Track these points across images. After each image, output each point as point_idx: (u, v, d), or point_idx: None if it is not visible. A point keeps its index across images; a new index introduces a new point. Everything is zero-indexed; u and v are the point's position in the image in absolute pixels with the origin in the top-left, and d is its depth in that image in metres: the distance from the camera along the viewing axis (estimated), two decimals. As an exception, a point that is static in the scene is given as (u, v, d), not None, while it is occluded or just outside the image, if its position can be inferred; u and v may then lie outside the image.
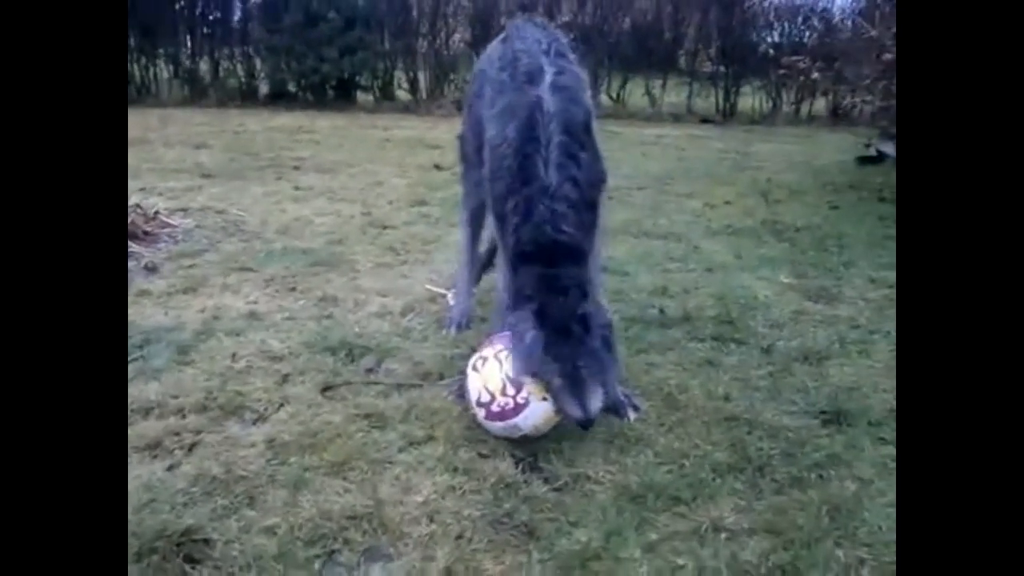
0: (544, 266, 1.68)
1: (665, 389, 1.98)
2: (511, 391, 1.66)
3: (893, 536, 1.41)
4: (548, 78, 1.82)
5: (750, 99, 9.28)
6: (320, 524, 1.41)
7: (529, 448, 1.69)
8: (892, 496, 1.54)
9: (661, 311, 2.54)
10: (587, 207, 1.75)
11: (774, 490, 1.56)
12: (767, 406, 1.90)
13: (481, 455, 1.67)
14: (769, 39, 8.83)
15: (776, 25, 8.86)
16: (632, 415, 1.84)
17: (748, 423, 1.81)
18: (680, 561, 1.34)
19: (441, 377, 2.02)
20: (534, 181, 1.71)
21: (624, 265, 3.05)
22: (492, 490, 1.54)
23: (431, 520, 1.44)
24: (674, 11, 9.32)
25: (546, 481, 1.59)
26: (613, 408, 1.86)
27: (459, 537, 1.39)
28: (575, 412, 1.61)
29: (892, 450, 1.71)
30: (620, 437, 1.75)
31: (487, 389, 1.69)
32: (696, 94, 9.30)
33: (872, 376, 2.11)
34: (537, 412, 1.66)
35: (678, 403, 1.91)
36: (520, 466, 1.63)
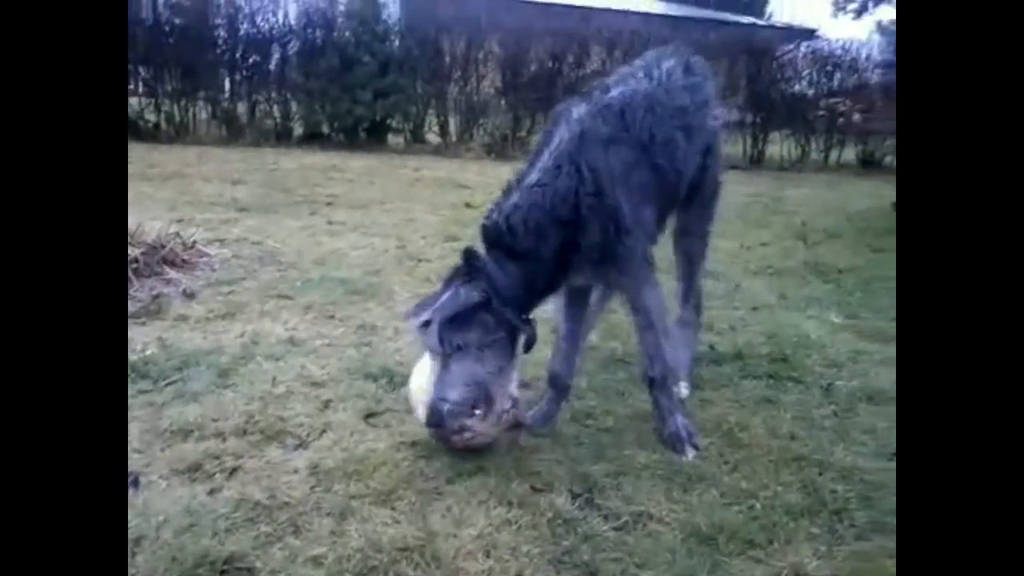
0: (485, 244, 1.70)
1: (724, 426, 1.87)
2: None
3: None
4: (602, 96, 1.80)
5: (778, 147, 9.28)
6: (369, 555, 1.31)
7: (584, 483, 1.59)
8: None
9: (711, 347, 2.45)
10: (551, 219, 1.63)
11: (855, 535, 1.44)
12: (836, 447, 1.78)
13: (535, 488, 1.57)
14: (797, 86, 8.84)
15: (804, 74, 8.88)
16: (691, 453, 1.74)
17: (818, 464, 1.70)
18: (761, 609, 1.23)
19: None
20: (519, 173, 1.74)
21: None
22: (549, 526, 1.44)
23: (487, 555, 1.34)
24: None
25: (605, 519, 1.48)
26: (670, 443, 1.77)
27: (519, 575, 1.29)
28: None
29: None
30: (680, 475, 1.65)
31: None
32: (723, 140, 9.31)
33: (943, 419, 1.98)
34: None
35: (740, 441, 1.80)
36: (576, 501, 1.53)
